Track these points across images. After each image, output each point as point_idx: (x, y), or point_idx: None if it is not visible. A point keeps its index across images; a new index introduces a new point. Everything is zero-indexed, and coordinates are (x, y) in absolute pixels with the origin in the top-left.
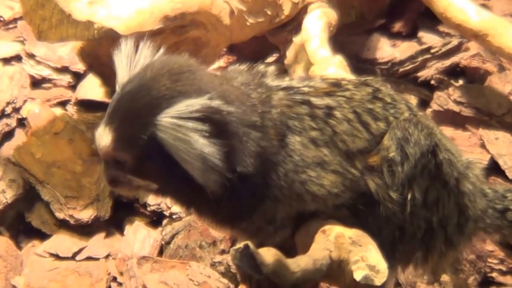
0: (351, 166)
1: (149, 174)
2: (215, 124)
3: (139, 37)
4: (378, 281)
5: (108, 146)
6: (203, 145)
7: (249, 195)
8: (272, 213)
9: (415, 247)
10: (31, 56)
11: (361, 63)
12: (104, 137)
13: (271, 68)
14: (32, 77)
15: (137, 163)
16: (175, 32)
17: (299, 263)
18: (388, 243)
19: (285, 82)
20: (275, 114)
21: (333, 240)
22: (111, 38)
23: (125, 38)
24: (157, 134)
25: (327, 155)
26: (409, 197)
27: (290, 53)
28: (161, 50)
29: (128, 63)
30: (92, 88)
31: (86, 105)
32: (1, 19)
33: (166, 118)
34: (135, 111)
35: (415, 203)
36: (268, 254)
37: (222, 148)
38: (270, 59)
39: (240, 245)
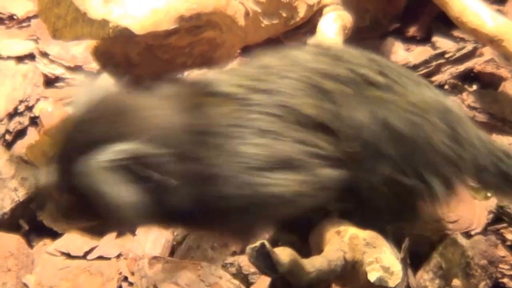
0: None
1: (84, 215)
2: (138, 170)
3: (154, 36)
4: (392, 283)
5: (46, 184)
6: (122, 194)
7: (207, 216)
8: (246, 225)
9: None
10: (45, 54)
11: None
12: (44, 174)
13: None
14: (45, 76)
15: (71, 204)
16: (191, 32)
17: (314, 264)
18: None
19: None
20: (212, 127)
21: (348, 241)
22: (126, 37)
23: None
24: (83, 178)
25: (283, 149)
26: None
27: None
28: (121, 83)
29: (83, 98)
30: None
31: None
32: (15, 17)
33: (92, 162)
34: (67, 153)
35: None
36: (284, 254)
37: (147, 192)
38: None
39: (256, 243)
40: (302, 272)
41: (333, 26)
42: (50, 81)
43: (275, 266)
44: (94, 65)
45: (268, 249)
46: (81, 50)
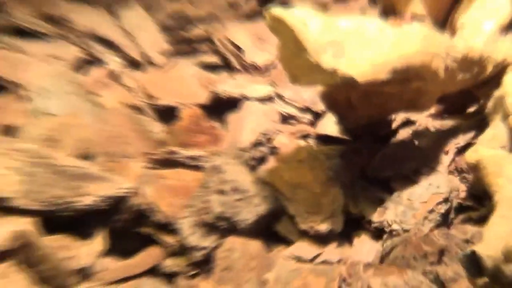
0: None
1: None
2: None
3: (372, 85)
4: None
5: None
6: None
7: None
8: None
9: None
10: (281, 97)
11: None
12: None
13: None
14: (281, 114)
15: None
16: (401, 82)
17: None
18: None
19: None
20: None
21: None
22: (350, 84)
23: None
24: None
25: None
26: None
27: (490, 104)
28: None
29: None
30: (329, 125)
31: (324, 139)
32: (257, 66)
33: None
34: None
35: None
36: (489, 260)
37: None
38: (472, 108)
39: (468, 250)
40: (503, 277)
41: None
42: (285, 119)
43: (481, 270)
44: (320, 107)
45: (477, 256)
46: (310, 93)
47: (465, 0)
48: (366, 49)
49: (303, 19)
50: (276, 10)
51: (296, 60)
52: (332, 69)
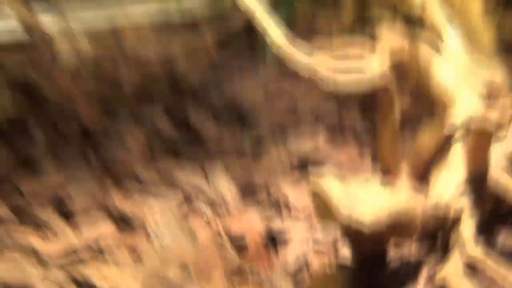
0: None
1: None
2: None
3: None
4: None
5: None
6: None
7: None
8: None
9: None
10: (314, 230)
11: None
12: None
13: None
14: (313, 241)
15: None
16: (394, 228)
17: None
18: None
19: None
20: None
21: None
22: (359, 226)
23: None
24: None
25: None
26: None
27: (452, 239)
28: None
29: None
30: (346, 252)
31: (343, 260)
32: (298, 209)
33: None
34: None
35: None
36: None
37: None
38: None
39: None
40: None
41: None
42: (316, 245)
43: None
44: (340, 238)
45: None
46: (333, 229)
47: (436, 163)
48: (370, 203)
49: (329, 185)
50: (313, 178)
51: (324, 208)
52: (348, 216)
